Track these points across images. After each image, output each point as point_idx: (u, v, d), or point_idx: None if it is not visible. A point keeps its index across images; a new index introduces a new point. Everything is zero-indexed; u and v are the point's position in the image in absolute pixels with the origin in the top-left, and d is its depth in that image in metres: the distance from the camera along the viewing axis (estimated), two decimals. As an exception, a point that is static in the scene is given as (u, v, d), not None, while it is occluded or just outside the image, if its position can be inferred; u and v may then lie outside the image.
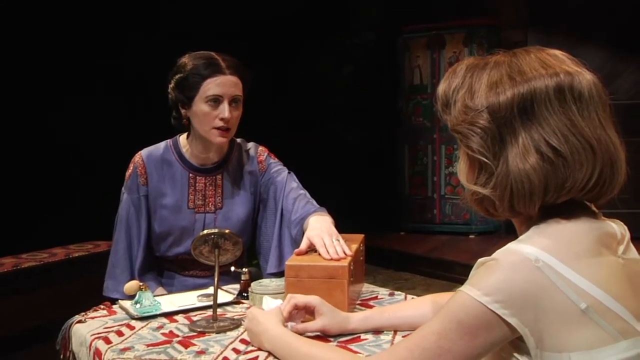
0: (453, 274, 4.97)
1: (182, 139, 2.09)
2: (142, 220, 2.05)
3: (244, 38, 5.78)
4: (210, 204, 2.06)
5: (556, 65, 1.01)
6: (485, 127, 1.01)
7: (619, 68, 5.61)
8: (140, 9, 5.13)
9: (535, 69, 1.01)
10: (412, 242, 6.07)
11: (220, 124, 1.93)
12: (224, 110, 1.92)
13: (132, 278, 1.99)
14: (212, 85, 1.91)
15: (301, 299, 1.43)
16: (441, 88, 1.11)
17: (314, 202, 2.05)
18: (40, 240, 4.09)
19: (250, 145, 2.17)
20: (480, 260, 1.01)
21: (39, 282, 3.67)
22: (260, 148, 2.17)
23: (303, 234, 1.85)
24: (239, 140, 2.16)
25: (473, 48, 6.00)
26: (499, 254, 0.99)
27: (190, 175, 2.05)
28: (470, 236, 6.05)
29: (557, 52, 1.06)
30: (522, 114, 0.99)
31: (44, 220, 4.40)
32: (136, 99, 4.79)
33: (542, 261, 0.95)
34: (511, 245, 0.99)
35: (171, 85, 1.99)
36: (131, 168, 2.06)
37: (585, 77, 1.01)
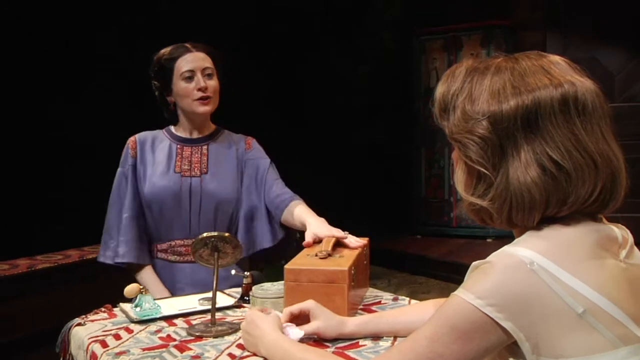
0: (469, 278, 4.91)
1: (173, 126, 2.26)
2: (130, 186, 2.17)
3: (259, 35, 5.79)
4: (195, 169, 2.17)
5: (559, 75, 0.98)
6: (485, 137, 0.99)
7: (638, 70, 5.51)
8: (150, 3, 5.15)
9: (538, 79, 0.98)
10: (428, 246, 6.01)
11: (199, 94, 2.11)
12: (199, 81, 2.11)
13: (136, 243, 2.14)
14: (184, 63, 2.11)
15: (296, 307, 1.41)
16: (439, 91, 1.07)
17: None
18: (55, 242, 4.13)
19: (241, 134, 2.30)
20: (474, 263, 0.99)
21: (54, 284, 3.70)
22: (250, 137, 2.31)
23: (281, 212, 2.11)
24: (226, 130, 2.30)
25: (490, 49, 5.93)
26: (493, 256, 0.96)
27: (178, 145, 2.21)
28: (488, 240, 5.98)
29: (558, 59, 1.03)
30: (525, 127, 0.97)
31: (58, 222, 4.44)
32: (144, 99, 4.82)
33: (538, 264, 0.92)
34: (506, 248, 0.97)
35: (152, 80, 2.19)
36: (125, 148, 2.23)
37: (588, 87, 0.98)
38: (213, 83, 2.13)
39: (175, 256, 2.15)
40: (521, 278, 0.92)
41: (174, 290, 2.11)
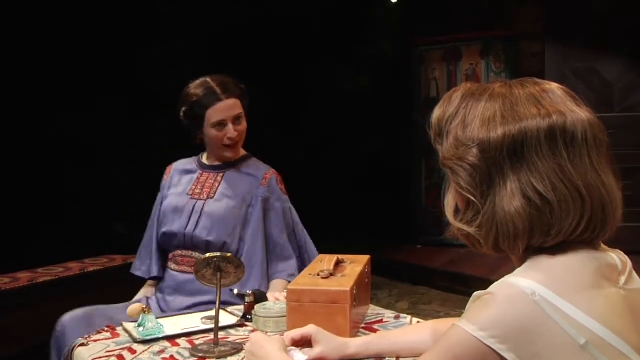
0: (470, 288, 4.88)
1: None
2: (158, 210, 2.32)
3: (257, 45, 5.80)
4: (205, 193, 2.24)
5: (550, 105, 0.99)
6: (475, 164, 1.00)
7: (638, 80, 5.52)
8: (147, 14, 5.17)
9: (527, 109, 0.98)
10: (429, 256, 6.00)
11: (228, 142, 2.21)
12: (230, 130, 2.19)
13: (151, 258, 2.29)
14: (214, 113, 2.16)
15: (297, 332, 1.41)
16: (435, 115, 1.09)
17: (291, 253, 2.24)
18: (56, 254, 4.13)
19: (265, 165, 2.32)
20: (475, 293, 0.99)
21: (54, 297, 3.70)
22: (273, 170, 2.31)
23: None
24: (253, 158, 2.33)
25: (490, 60, 5.95)
26: (494, 287, 0.97)
27: (200, 172, 2.31)
28: (488, 250, 5.99)
29: (555, 87, 1.03)
30: (511, 156, 0.97)
31: (59, 234, 4.45)
32: (153, 109, 4.81)
33: (539, 295, 0.92)
34: (507, 279, 0.97)
35: (180, 115, 2.24)
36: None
37: (579, 118, 0.98)
38: (241, 128, 2.21)
39: (175, 265, 2.23)
40: (523, 309, 0.92)
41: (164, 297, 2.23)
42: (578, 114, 0.98)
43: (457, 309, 4.58)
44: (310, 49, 6.30)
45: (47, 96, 4.68)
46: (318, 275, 1.66)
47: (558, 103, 0.99)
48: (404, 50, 6.56)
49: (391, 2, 6.69)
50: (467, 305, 1.00)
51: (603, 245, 1.04)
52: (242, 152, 2.31)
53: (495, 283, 0.97)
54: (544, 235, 0.98)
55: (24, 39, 4.60)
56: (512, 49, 6.03)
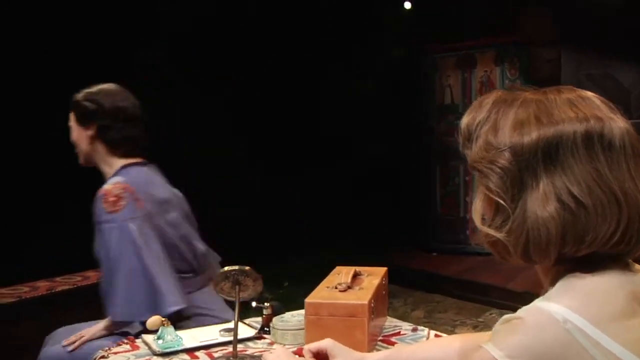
0: (486, 297, 4.89)
1: None
2: None
3: (269, 50, 5.82)
4: None
5: (587, 110, 0.96)
6: (506, 168, 0.96)
7: (654, 87, 5.49)
8: (147, 14, 5.19)
9: (564, 112, 0.95)
10: (444, 264, 5.98)
11: None
12: None
13: None
14: None
15: (313, 345, 1.41)
16: (465, 121, 1.05)
17: None
18: (56, 254, 4.17)
19: (115, 178, 2.13)
20: (505, 316, 0.95)
21: (73, 306, 3.73)
22: (108, 186, 2.08)
23: None
24: (128, 168, 2.17)
25: (504, 67, 5.94)
26: (524, 311, 0.92)
27: None
28: (505, 257, 5.95)
29: (590, 95, 1.00)
30: (545, 159, 0.94)
31: (77, 242, 4.47)
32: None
33: (571, 322, 0.88)
34: (537, 303, 0.93)
35: None
36: None
37: (617, 125, 0.95)
38: (72, 136, 2.23)
39: None
40: (553, 337, 0.88)
41: None
42: (616, 121, 0.96)
43: (473, 317, 4.56)
44: (322, 52, 6.32)
45: (47, 96, 4.71)
46: (335, 288, 1.67)
47: (595, 109, 0.97)
48: (418, 57, 6.56)
49: (404, 10, 6.71)
50: (495, 327, 0.96)
51: (636, 265, 1.00)
52: (124, 162, 2.16)
53: (525, 307, 0.93)
54: (578, 243, 0.93)
55: (24, 39, 4.63)
56: (527, 55, 6.02)
